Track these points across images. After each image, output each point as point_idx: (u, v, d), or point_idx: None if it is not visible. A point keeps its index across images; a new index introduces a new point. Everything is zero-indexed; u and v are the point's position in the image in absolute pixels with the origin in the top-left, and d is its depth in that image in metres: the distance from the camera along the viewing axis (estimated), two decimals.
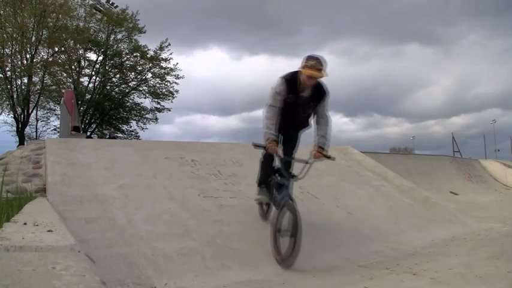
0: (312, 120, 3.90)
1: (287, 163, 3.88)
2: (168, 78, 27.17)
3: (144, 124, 27.61)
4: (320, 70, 3.50)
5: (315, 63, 3.49)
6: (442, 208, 6.48)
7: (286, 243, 3.46)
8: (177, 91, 27.44)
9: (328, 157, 3.71)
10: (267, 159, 3.93)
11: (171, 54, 26.73)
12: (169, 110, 27.86)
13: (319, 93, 3.72)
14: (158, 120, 27.95)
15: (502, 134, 58.79)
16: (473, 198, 11.41)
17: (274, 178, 3.91)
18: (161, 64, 26.79)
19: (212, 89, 67.80)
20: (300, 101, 3.67)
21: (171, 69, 26.98)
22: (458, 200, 10.35)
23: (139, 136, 26.66)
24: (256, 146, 3.69)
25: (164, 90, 27.38)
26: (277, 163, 3.97)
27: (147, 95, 27.37)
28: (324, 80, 3.73)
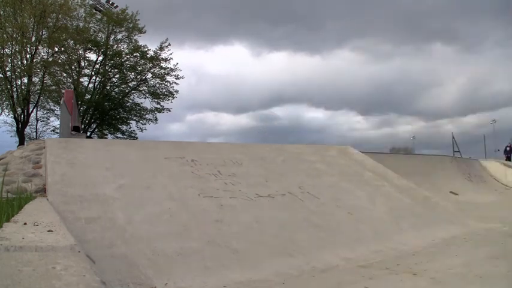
0: None
1: None
2: (168, 78, 27.22)
3: (144, 124, 27.64)
4: None
5: None
6: (442, 208, 6.48)
7: None
8: (177, 91, 27.49)
9: None
10: None
11: (171, 54, 26.79)
12: (169, 110, 27.88)
13: None
14: (158, 121, 27.97)
15: None
16: (473, 198, 11.40)
17: None
18: (161, 64, 26.84)
19: (228, 86, 65.75)
20: None
21: (171, 70, 27.02)
22: (458, 200, 10.34)
23: (137, 137, 26.65)
24: None
25: (164, 90, 27.42)
26: None
27: (147, 95, 27.40)
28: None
